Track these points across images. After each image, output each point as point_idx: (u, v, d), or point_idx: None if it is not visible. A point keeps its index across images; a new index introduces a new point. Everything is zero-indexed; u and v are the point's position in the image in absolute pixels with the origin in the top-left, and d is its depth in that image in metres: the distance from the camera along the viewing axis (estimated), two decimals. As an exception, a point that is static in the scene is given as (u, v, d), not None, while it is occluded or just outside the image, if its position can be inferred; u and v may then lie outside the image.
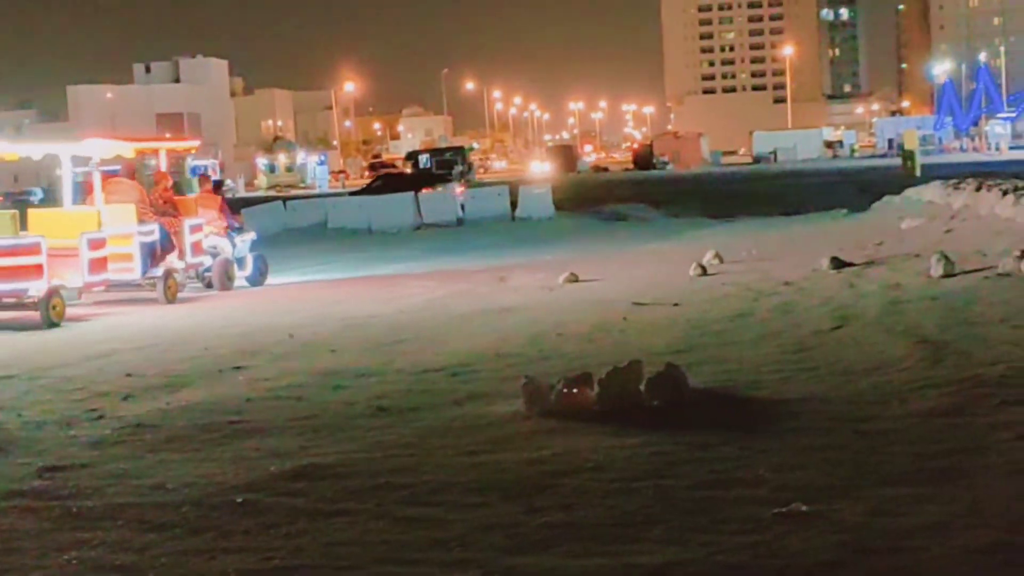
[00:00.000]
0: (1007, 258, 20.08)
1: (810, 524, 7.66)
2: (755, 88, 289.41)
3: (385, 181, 62.27)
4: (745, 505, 8.11)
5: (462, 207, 48.67)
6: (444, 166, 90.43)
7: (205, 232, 26.18)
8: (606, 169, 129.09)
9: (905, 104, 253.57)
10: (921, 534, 7.35)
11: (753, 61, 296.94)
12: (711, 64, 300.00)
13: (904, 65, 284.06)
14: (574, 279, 23.37)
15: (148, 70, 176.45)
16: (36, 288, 21.29)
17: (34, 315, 21.17)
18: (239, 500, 8.78)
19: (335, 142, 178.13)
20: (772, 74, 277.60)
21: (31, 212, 23.96)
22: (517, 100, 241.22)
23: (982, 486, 8.32)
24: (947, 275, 19.79)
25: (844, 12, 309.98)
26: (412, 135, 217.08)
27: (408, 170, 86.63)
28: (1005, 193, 30.22)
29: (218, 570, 7.31)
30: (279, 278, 28.18)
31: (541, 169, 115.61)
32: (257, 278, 27.62)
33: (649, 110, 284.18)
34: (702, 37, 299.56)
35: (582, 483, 8.86)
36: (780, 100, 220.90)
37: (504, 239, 38.45)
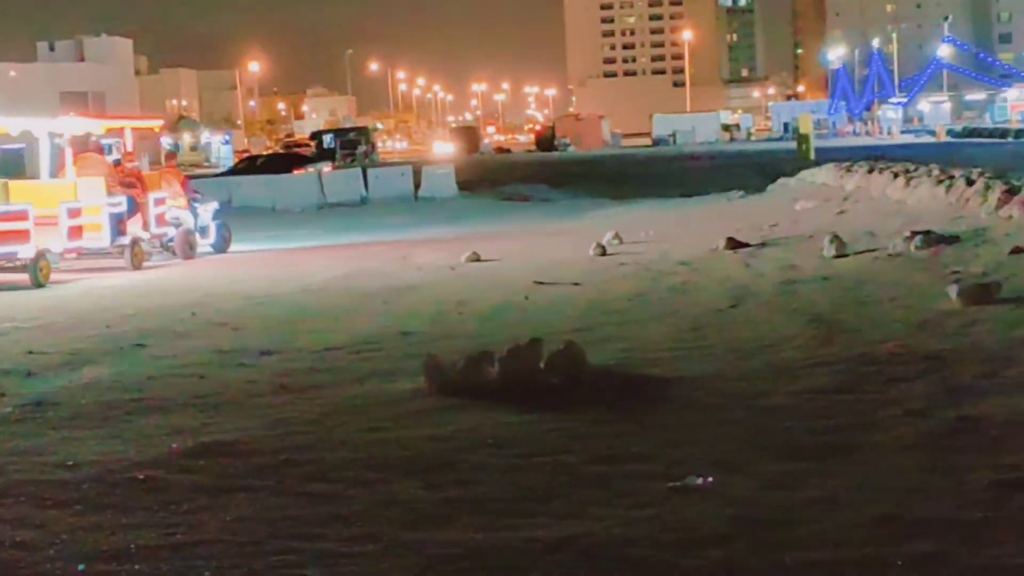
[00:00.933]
0: (897, 239, 20.34)
1: (704, 497, 7.72)
2: (655, 72, 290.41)
3: (249, 163, 62.74)
4: (641, 479, 8.15)
5: (366, 186, 48.56)
6: (348, 146, 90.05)
7: (168, 205, 27.53)
8: (509, 150, 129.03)
9: (800, 89, 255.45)
10: (811, 507, 7.42)
11: (653, 45, 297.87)
12: (612, 48, 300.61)
13: (800, 51, 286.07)
14: (476, 258, 23.38)
15: (52, 48, 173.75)
16: (24, 252, 22.91)
17: (22, 277, 22.85)
18: (141, 477, 8.69)
19: (239, 122, 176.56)
20: (672, 58, 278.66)
21: (12, 183, 24.88)
22: (421, 81, 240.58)
23: (871, 461, 8.42)
24: (839, 256, 20.01)
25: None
26: (316, 115, 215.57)
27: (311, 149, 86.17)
28: (896, 176, 30.62)
29: (119, 546, 7.22)
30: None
31: (444, 150, 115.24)
32: (221, 245, 29.35)
33: (551, 92, 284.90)
34: (603, 21, 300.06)
35: (482, 459, 8.87)
36: (679, 84, 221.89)
37: (407, 218, 38.38)
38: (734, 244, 22.68)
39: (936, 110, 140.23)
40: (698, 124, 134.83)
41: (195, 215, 28.64)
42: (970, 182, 25.23)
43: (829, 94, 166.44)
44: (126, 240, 25.71)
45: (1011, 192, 22.09)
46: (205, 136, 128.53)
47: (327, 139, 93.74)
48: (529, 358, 11.22)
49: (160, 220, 27.11)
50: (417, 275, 21.62)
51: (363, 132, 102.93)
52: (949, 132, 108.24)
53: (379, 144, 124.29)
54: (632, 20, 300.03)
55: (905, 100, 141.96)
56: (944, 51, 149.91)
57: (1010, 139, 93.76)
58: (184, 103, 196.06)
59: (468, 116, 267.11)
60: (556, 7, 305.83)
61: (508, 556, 6.81)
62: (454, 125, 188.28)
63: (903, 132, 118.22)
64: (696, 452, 8.80)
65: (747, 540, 6.90)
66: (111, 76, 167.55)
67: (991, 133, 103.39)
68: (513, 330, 14.26)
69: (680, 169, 63.93)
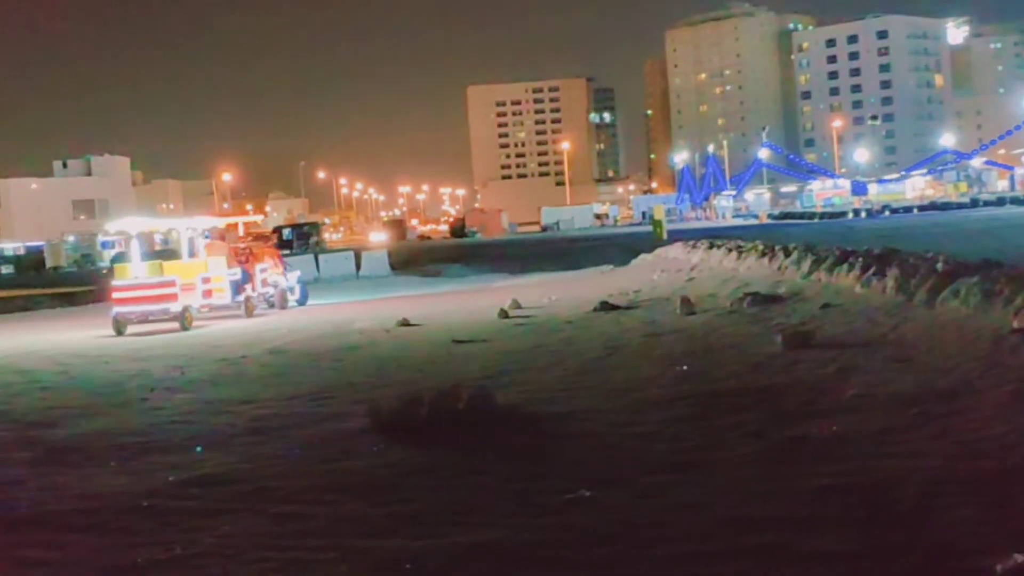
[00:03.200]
0: (733, 299, 20.52)
1: (592, 506, 7.71)
2: (542, 174, 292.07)
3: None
4: (544, 493, 8.12)
5: (317, 267, 48.31)
6: (302, 237, 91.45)
7: (269, 272, 32.06)
8: (429, 238, 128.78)
9: (654, 185, 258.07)
10: (676, 511, 7.43)
11: (539, 153, 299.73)
12: (508, 156, 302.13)
13: (653, 155, 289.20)
14: (406, 323, 23.22)
15: (65, 165, 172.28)
16: (174, 307, 27.30)
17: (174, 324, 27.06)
18: (145, 504, 8.53)
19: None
20: (554, 163, 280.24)
21: (165, 263, 29.78)
22: (359, 185, 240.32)
23: (720, 473, 8.46)
24: (689, 313, 20.13)
25: (607, 115, 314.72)
26: (277, 214, 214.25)
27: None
28: (730, 251, 30.92)
29: (129, 561, 7.08)
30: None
31: (379, 238, 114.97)
32: (303, 300, 33.09)
33: (461, 192, 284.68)
34: (500, 135, 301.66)
35: (417, 481, 8.80)
36: (560, 183, 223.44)
37: (350, 292, 38.14)
38: (607, 306, 22.76)
39: (759, 199, 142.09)
40: (576, 214, 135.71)
41: (286, 279, 32.77)
42: (787, 254, 25.54)
43: (677, 188, 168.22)
44: (241, 298, 29.81)
45: (818, 261, 22.39)
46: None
47: (286, 232, 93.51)
48: (452, 400, 11.16)
49: (264, 283, 31.62)
50: (359, 338, 21.45)
51: (314, 226, 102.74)
52: (769, 216, 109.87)
53: (326, 235, 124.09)
54: (522, 134, 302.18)
55: (735, 192, 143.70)
56: (763, 153, 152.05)
57: (816, 220, 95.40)
58: (171, 207, 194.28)
59: (396, 211, 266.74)
60: (462, 125, 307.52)
61: (441, 558, 6.76)
62: (386, 219, 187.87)
63: (734, 216, 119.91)
64: (585, 471, 8.79)
65: (627, 539, 6.91)
66: (112, 187, 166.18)
67: (801, 216, 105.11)
68: (438, 379, 14.20)
69: (563, 249, 64.16)
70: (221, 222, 33.61)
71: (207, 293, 28.77)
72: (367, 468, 9.42)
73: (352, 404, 12.84)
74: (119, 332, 26.45)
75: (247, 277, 30.47)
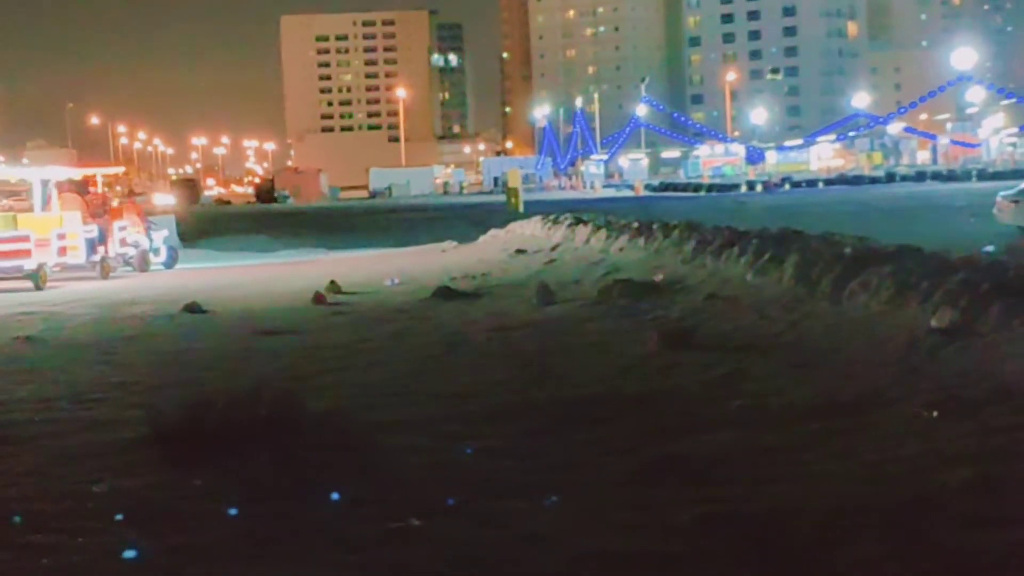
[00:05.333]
0: (600, 287, 20.73)
1: (420, 538, 7.67)
2: (371, 127, 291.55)
3: None
4: (361, 522, 8.06)
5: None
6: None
7: (128, 231, 35.36)
8: (229, 202, 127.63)
9: (509, 145, 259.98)
10: (522, 544, 7.44)
11: (369, 102, 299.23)
12: (330, 104, 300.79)
13: (508, 109, 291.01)
14: (196, 308, 22.77)
15: None
16: (28, 264, 30.59)
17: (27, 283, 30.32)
18: None
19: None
20: (387, 114, 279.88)
21: (19, 216, 32.91)
22: (142, 135, 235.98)
23: (580, 498, 8.48)
24: (547, 303, 20.25)
25: (453, 59, 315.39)
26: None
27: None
28: (599, 228, 31.20)
29: None
30: None
31: (165, 201, 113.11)
32: (170, 263, 37.06)
33: (271, 146, 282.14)
34: (321, 78, 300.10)
35: (201, 507, 8.64)
36: (394, 139, 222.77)
37: (128, 266, 37.43)
38: (448, 292, 22.77)
39: (635, 166, 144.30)
40: (413, 178, 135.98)
41: (150, 239, 36.32)
42: (667, 234, 25.91)
43: (536, 150, 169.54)
44: (96, 258, 33.09)
45: (703, 244, 22.76)
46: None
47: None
48: (251, 406, 11.01)
49: (122, 243, 34.78)
50: (136, 325, 21.04)
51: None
52: (647, 187, 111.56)
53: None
54: (348, 78, 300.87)
55: (606, 156, 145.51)
56: (641, 110, 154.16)
57: (702, 193, 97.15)
58: None
59: (189, 169, 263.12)
60: (274, 63, 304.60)
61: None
62: (175, 178, 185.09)
63: (605, 186, 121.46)
64: (414, 494, 8.75)
65: (465, 579, 6.90)
66: None
67: (685, 187, 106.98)
68: (235, 379, 14.00)
69: (396, 220, 64.10)
70: (77, 173, 36.20)
71: (62, 251, 31.87)
72: (140, 489, 9.22)
73: (125, 409, 12.58)
74: None
75: (104, 235, 33.50)
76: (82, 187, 35.94)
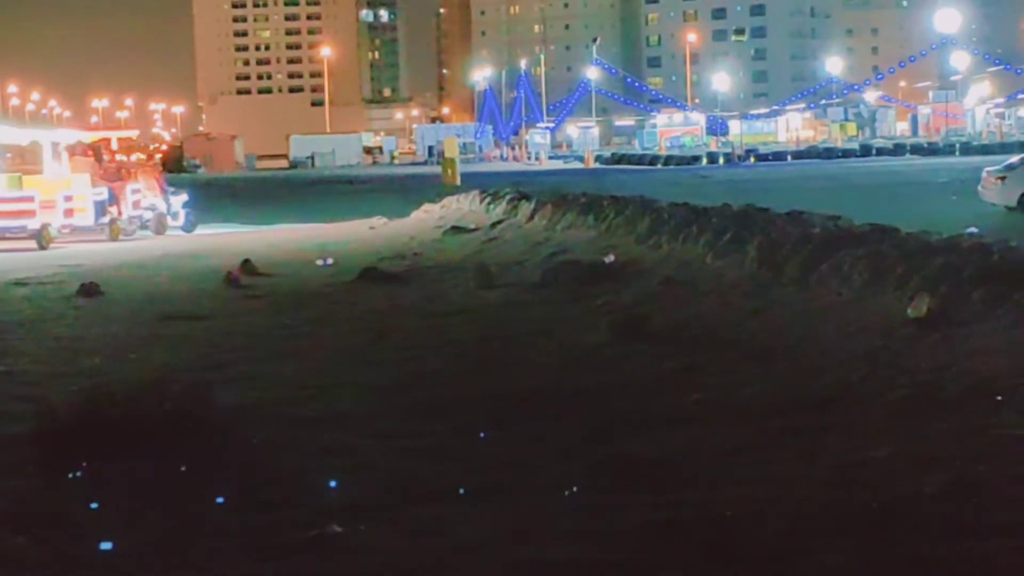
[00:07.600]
0: (545, 270, 20.75)
1: (344, 546, 7.66)
2: (292, 90, 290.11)
3: None
4: (277, 528, 8.04)
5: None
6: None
7: (142, 194, 39.26)
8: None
9: (446, 111, 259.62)
10: (459, 554, 7.45)
11: (290, 61, 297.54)
12: (246, 63, 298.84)
13: (445, 71, 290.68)
14: (93, 290, 22.45)
15: None
16: (32, 224, 34.24)
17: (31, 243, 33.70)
18: None
19: None
20: (310, 75, 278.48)
21: (25, 177, 36.20)
22: (35, 95, 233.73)
23: (521, 503, 8.51)
24: (486, 287, 20.26)
25: (384, 14, 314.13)
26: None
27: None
28: (543, 204, 31.16)
29: None
30: None
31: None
32: (188, 227, 40.50)
33: (180, 110, 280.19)
34: (236, 35, 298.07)
35: (102, 512, 8.59)
36: (318, 103, 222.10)
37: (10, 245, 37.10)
38: (376, 274, 22.70)
39: (584, 135, 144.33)
40: (338, 146, 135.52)
41: (167, 203, 40.21)
42: (619, 211, 25.95)
43: (476, 117, 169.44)
44: (106, 220, 36.57)
45: (659, 223, 22.81)
46: None
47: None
48: (154, 400, 10.96)
49: (136, 205, 38.63)
50: (27, 308, 20.83)
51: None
52: (598, 158, 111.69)
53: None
54: (267, 34, 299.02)
55: (553, 124, 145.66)
56: (592, 74, 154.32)
57: (659, 166, 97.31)
58: None
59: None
60: (185, 18, 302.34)
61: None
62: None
63: (551, 157, 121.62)
64: (337, 498, 8.75)
65: (391, 591, 6.90)
66: None
67: (640, 159, 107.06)
68: (137, 369, 13.94)
69: (319, 192, 63.90)
70: (88, 136, 39.72)
71: (68, 212, 35.44)
72: (31, 494, 9.17)
73: (12, 401, 12.48)
74: None
75: (114, 198, 37.06)
76: (96, 150, 38.88)
